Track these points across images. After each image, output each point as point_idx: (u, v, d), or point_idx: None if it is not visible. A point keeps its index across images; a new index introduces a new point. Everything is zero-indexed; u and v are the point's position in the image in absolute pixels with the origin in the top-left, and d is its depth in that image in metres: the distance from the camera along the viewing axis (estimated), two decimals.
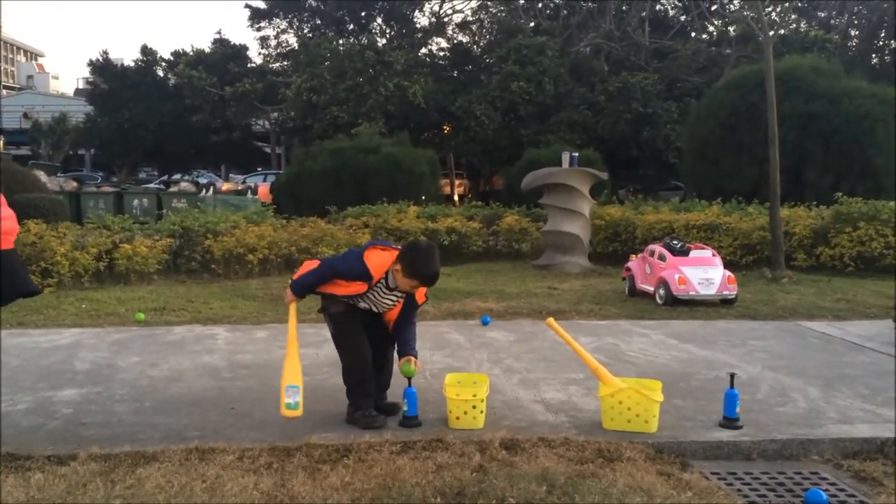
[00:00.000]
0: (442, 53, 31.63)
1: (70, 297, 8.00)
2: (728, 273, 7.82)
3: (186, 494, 3.01)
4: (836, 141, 14.14)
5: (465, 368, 5.06)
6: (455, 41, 32.65)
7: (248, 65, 33.33)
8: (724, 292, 7.67)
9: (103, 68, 34.00)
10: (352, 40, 30.31)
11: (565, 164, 11.31)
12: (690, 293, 7.61)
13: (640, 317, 7.20)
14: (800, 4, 29.10)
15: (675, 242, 8.25)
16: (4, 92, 61.27)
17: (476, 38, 32.74)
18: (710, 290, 7.65)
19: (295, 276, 4.08)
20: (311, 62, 26.01)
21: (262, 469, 3.29)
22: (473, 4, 37.01)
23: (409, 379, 3.92)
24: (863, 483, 3.39)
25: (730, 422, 3.90)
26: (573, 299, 8.09)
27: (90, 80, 37.61)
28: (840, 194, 11.35)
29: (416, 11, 32.79)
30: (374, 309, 3.99)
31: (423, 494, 3.01)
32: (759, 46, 16.22)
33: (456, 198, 26.84)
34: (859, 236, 10.33)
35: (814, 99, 14.65)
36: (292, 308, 4.04)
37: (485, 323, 6.77)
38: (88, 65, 34.65)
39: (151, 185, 26.92)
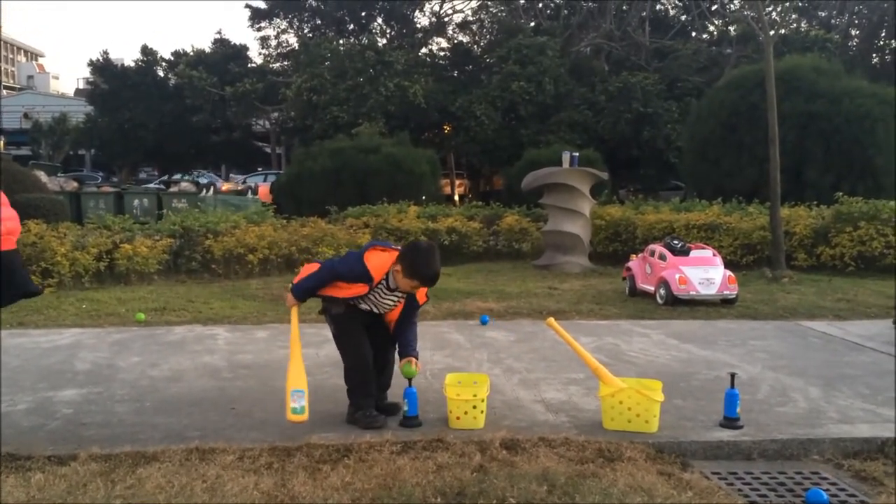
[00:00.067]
0: (442, 53, 31.66)
1: (70, 298, 8.00)
2: (728, 273, 7.82)
3: (187, 494, 3.01)
4: (837, 141, 14.14)
5: (466, 368, 5.06)
6: (455, 41, 32.69)
7: (249, 65, 33.35)
8: (725, 292, 7.67)
9: (103, 68, 34.02)
10: (352, 40, 30.32)
11: (565, 164, 11.31)
12: (691, 293, 7.61)
13: (640, 317, 7.20)
14: (800, 4, 29.10)
15: (675, 242, 8.25)
16: (5, 92, 61.28)
17: (476, 38, 32.76)
18: (710, 290, 7.65)
19: (295, 280, 4.06)
20: (311, 62, 26.02)
21: (262, 469, 3.29)
22: (473, 4, 37.08)
23: (410, 379, 3.92)
24: (863, 483, 3.39)
25: (730, 422, 3.89)
26: (573, 299, 8.09)
27: (90, 80, 37.65)
28: (840, 194, 11.34)
29: (417, 11, 32.83)
30: (376, 310, 3.98)
31: (424, 494, 3.01)
32: (759, 46, 16.23)
33: (456, 198, 26.84)
34: (860, 236, 10.33)
35: (814, 99, 14.65)
36: (294, 312, 4.03)
37: (483, 322, 6.78)
38: (88, 65, 34.70)
39: (151, 186, 26.93)
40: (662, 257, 8.03)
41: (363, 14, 32.16)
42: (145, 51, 34.38)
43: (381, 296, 3.91)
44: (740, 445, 3.72)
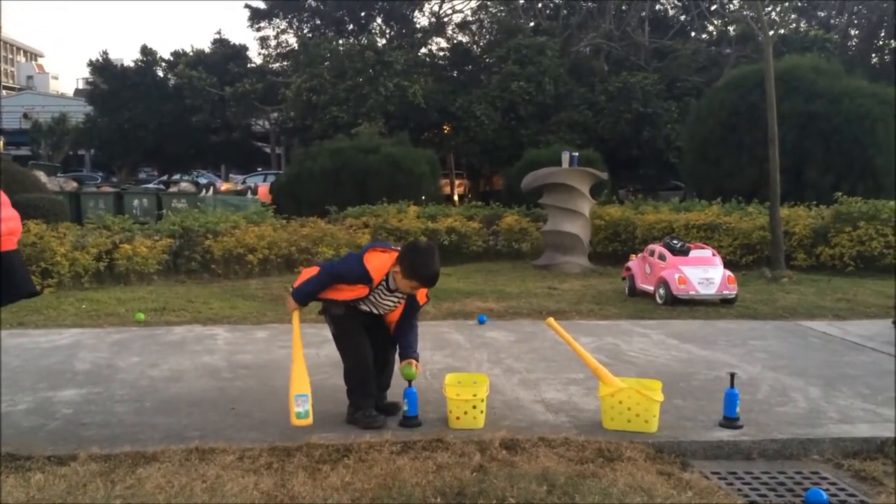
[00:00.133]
0: (442, 53, 31.63)
1: (70, 298, 8.00)
2: (728, 273, 7.82)
3: (186, 495, 3.01)
4: (836, 141, 14.14)
5: (465, 368, 5.06)
6: (455, 41, 32.66)
7: (248, 65, 33.33)
8: (724, 292, 7.67)
9: (103, 68, 33.99)
10: (352, 40, 30.31)
11: (565, 164, 11.32)
12: (690, 293, 7.61)
13: (640, 317, 7.20)
14: (800, 4, 29.09)
15: (675, 242, 8.25)
16: (4, 92, 61.32)
17: (476, 38, 32.74)
18: (710, 290, 7.65)
19: (296, 284, 4.06)
20: (310, 62, 26.01)
21: (262, 469, 3.29)
22: (473, 4, 36.99)
23: (410, 380, 3.92)
24: (863, 483, 3.39)
25: (730, 421, 3.90)
26: (573, 299, 8.09)
27: (90, 80, 37.60)
28: (840, 194, 11.35)
29: (416, 11, 32.80)
30: (376, 311, 3.98)
31: (424, 494, 3.01)
32: (758, 46, 16.21)
33: (456, 198, 26.83)
34: (859, 236, 10.34)
35: (814, 99, 14.64)
36: (295, 316, 4.03)
37: (481, 322, 6.78)
38: (88, 65, 34.65)
39: (151, 186, 26.95)
40: (662, 257, 8.03)
41: (363, 14, 32.14)
42: (145, 51, 34.36)
43: (381, 297, 3.90)
44: (740, 445, 3.72)
